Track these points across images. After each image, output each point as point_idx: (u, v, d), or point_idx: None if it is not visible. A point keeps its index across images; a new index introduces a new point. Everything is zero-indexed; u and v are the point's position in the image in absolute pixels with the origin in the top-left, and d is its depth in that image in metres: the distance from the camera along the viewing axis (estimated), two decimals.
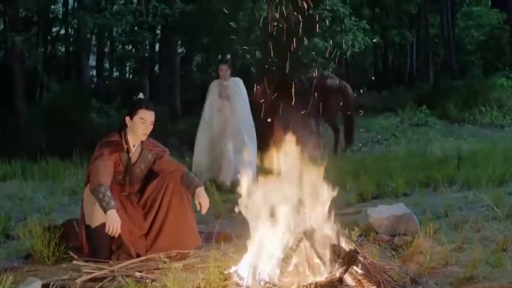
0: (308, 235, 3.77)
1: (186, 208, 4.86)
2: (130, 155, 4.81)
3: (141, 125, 4.73)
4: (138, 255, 4.63)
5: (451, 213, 6.01)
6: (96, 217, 4.54)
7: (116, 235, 4.46)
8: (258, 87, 13.20)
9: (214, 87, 9.01)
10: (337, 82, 12.98)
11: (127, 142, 4.80)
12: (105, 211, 4.37)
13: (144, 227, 4.79)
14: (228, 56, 17.15)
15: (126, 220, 4.62)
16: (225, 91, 8.89)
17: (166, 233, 4.79)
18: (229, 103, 8.87)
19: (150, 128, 4.78)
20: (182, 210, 4.84)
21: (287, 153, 4.05)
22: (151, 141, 4.96)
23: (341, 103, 12.67)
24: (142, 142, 4.87)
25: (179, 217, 4.81)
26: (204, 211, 4.74)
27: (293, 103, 12.20)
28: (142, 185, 4.95)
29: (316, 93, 12.58)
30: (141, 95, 5.01)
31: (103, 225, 4.44)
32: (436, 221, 5.51)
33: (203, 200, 4.71)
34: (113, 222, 4.37)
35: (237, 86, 8.97)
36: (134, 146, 4.83)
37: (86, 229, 4.65)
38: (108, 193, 4.41)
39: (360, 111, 14.35)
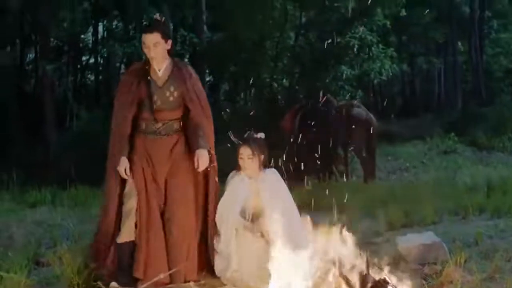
0: (337, 263, 3.76)
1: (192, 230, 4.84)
2: (150, 78, 4.73)
3: (145, 49, 4.68)
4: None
5: (481, 241, 5.93)
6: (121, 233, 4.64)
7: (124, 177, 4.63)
8: (286, 115, 13.27)
9: None
10: (364, 114, 12.85)
11: (149, 67, 4.74)
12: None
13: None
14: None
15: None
16: None
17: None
18: None
19: (154, 50, 4.63)
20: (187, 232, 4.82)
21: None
22: (189, 71, 4.89)
23: (365, 136, 12.55)
24: (174, 67, 4.80)
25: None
26: (199, 169, 4.69)
27: (320, 132, 12.28)
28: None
29: (342, 122, 12.58)
30: (156, 15, 4.84)
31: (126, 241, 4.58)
32: (466, 250, 5.43)
33: (201, 160, 4.63)
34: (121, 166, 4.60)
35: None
36: (159, 70, 4.74)
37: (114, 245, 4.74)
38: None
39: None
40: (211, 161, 4.75)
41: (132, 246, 4.66)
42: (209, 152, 4.75)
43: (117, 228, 4.72)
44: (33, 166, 14.16)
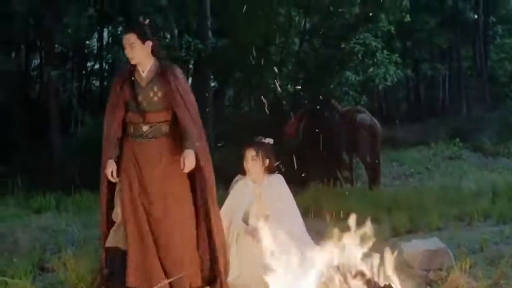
0: (341, 270, 3.75)
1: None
2: (134, 78, 4.72)
3: (125, 50, 4.70)
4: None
5: (486, 248, 5.92)
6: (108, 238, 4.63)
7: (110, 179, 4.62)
8: (291, 121, 13.26)
9: None
10: (368, 119, 12.82)
11: (134, 69, 4.74)
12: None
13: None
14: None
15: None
16: None
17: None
18: None
19: (131, 50, 4.65)
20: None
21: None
22: (174, 72, 4.76)
23: (370, 141, 12.51)
24: (159, 68, 4.74)
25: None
26: (185, 171, 4.59)
27: (325, 137, 12.28)
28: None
29: (347, 128, 12.56)
30: (140, 18, 4.85)
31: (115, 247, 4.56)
32: (471, 256, 5.42)
33: (186, 161, 4.53)
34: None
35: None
36: (143, 71, 4.71)
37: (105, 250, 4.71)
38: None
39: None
40: (198, 161, 4.62)
41: (124, 253, 4.59)
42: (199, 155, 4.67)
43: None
44: (37, 172, 14.18)
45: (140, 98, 4.67)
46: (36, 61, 24.35)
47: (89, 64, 26.17)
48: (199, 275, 4.72)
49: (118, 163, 4.66)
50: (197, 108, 4.83)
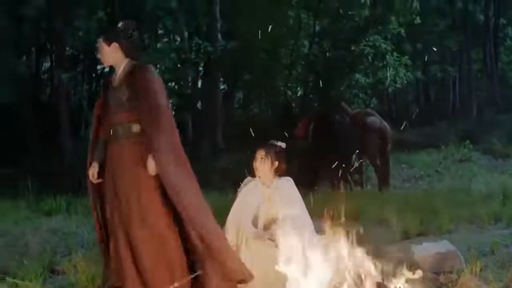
0: (351, 273, 3.75)
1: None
2: (111, 80, 4.77)
3: None
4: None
5: (497, 250, 5.89)
6: None
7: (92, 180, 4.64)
8: (299, 124, 13.25)
9: None
10: (378, 122, 12.78)
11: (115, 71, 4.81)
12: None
13: None
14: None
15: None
16: None
17: None
18: None
19: (100, 55, 4.78)
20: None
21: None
22: (143, 72, 4.66)
23: (379, 144, 12.47)
24: (132, 68, 4.70)
25: None
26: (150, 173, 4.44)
27: (334, 140, 12.26)
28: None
29: (356, 131, 12.53)
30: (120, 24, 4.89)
31: None
32: (482, 259, 5.40)
33: (149, 168, 4.39)
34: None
35: None
36: (117, 73, 4.74)
37: None
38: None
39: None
40: (162, 166, 4.41)
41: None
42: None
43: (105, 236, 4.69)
44: (48, 174, 14.24)
45: (111, 99, 4.68)
46: (47, 64, 24.47)
47: (99, 66, 26.23)
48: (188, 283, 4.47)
49: (100, 167, 4.67)
50: (165, 111, 4.60)
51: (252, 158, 4.95)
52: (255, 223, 4.86)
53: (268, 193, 4.91)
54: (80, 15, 19.49)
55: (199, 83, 24.27)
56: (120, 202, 4.47)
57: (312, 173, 11.91)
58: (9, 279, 4.85)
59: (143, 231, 4.40)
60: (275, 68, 18.92)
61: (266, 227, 4.80)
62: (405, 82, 18.06)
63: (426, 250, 5.31)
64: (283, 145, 4.96)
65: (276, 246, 4.46)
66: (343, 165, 12.56)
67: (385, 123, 12.91)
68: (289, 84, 19.35)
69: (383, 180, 12.65)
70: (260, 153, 4.91)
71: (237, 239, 4.76)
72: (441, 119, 25.46)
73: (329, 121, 12.79)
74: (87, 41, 23.05)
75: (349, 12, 17.60)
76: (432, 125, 24.00)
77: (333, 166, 10.67)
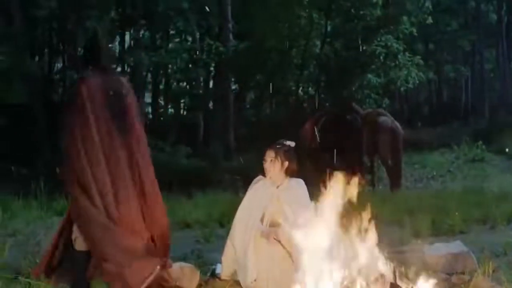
0: (363, 273, 3.73)
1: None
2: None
3: None
4: None
5: (510, 251, 5.86)
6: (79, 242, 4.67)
7: None
8: (306, 124, 13.23)
9: None
10: (390, 122, 12.74)
11: None
12: None
13: None
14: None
15: None
16: None
17: None
18: None
19: None
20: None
21: (338, 190, 3.99)
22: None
23: (391, 144, 12.44)
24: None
25: None
26: None
27: (345, 140, 12.25)
28: None
29: (368, 131, 12.51)
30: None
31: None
32: (494, 259, 5.37)
33: None
34: None
35: None
36: None
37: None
38: None
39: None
40: None
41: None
42: None
43: None
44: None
45: None
46: (59, 65, 24.52)
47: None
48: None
49: None
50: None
51: (263, 158, 4.93)
52: (262, 222, 4.84)
53: (277, 193, 4.87)
54: (92, 16, 19.52)
55: (211, 84, 24.30)
56: None
57: (323, 173, 11.90)
58: (21, 279, 4.87)
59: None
60: (287, 68, 18.89)
61: (273, 227, 4.75)
62: (417, 82, 17.99)
63: (439, 250, 5.30)
64: (292, 144, 4.92)
65: (282, 245, 4.52)
66: (355, 165, 12.56)
67: (397, 123, 12.89)
68: (300, 84, 19.31)
69: (395, 180, 12.63)
70: (270, 155, 4.87)
71: (244, 237, 4.76)
72: (454, 119, 25.37)
73: (338, 121, 12.78)
74: None
75: (361, 12, 17.55)
76: (445, 125, 23.92)
77: (345, 166, 10.66)
